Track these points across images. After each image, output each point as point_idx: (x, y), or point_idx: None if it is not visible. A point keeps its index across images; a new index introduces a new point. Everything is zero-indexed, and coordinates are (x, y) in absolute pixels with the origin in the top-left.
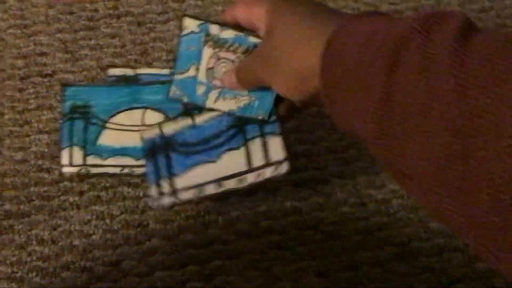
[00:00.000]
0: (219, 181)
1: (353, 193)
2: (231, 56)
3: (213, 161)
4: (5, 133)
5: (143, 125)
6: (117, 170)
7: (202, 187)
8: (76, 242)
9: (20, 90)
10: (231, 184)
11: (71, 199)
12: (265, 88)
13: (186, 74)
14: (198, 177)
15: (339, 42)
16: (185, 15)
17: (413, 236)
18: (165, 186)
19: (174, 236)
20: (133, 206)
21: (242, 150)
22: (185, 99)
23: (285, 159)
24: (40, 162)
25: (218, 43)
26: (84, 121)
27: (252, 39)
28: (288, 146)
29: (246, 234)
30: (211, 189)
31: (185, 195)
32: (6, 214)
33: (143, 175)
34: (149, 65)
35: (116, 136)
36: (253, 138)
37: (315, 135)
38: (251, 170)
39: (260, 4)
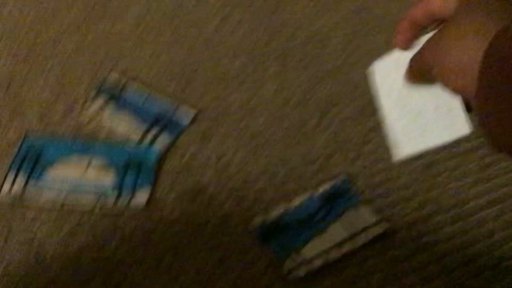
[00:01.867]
0: (339, 245)
1: None
2: None
3: (322, 233)
4: None
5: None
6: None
7: (327, 252)
8: None
9: None
10: (349, 246)
11: None
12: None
13: None
14: (318, 246)
15: (504, 42)
16: None
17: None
18: (296, 259)
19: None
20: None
21: (338, 223)
22: None
23: (378, 221)
24: None
25: None
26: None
27: None
28: None
29: None
30: (336, 253)
31: (317, 262)
32: None
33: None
34: None
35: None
36: (342, 213)
37: None
38: (357, 234)
39: None
